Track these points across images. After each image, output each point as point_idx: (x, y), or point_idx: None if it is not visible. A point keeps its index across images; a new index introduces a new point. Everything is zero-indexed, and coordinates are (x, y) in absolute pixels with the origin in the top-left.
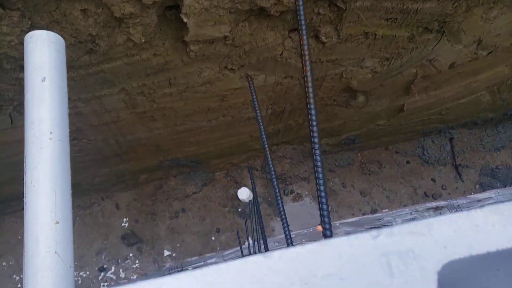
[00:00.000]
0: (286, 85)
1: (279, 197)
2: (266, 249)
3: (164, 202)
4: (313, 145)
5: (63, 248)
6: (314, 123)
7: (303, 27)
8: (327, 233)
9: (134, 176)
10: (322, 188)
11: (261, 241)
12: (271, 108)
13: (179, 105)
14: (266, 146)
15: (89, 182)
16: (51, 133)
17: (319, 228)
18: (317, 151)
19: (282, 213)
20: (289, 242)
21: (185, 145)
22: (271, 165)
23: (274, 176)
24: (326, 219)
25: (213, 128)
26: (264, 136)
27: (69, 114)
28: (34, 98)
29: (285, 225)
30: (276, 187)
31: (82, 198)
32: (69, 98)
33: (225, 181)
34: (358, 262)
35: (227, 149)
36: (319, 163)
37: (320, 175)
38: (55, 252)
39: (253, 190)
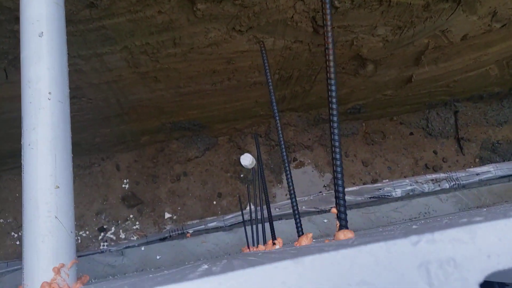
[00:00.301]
0: (295, 50)
1: (287, 166)
2: (270, 215)
3: (166, 165)
4: (332, 130)
5: (63, 213)
6: (334, 105)
7: None
8: (343, 223)
9: (135, 138)
10: (339, 176)
11: (264, 207)
12: (278, 73)
13: (183, 66)
14: (277, 114)
15: (89, 142)
16: (50, 93)
17: (334, 210)
18: (336, 139)
19: (290, 183)
20: (296, 214)
21: (188, 108)
22: (280, 134)
23: (283, 144)
24: (342, 209)
25: (218, 92)
26: (274, 104)
27: (69, 72)
28: (31, 55)
29: (293, 195)
30: (285, 156)
31: (82, 158)
32: (68, 55)
33: (228, 146)
34: (396, 270)
35: (231, 114)
36: (338, 155)
37: (338, 168)
38: (55, 217)
39: (258, 157)
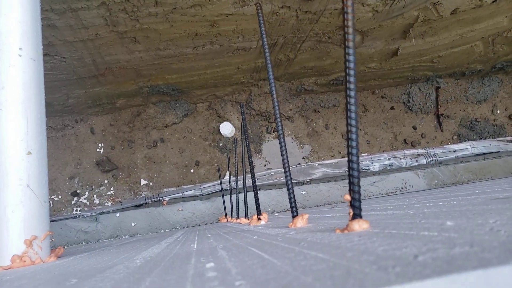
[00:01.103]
0: (282, 16)
1: (282, 138)
2: (254, 184)
3: (142, 130)
4: (348, 112)
5: (36, 181)
6: (352, 85)
7: None
8: (357, 212)
9: (111, 100)
10: (354, 159)
11: (244, 177)
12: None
13: (164, 27)
14: (272, 81)
15: (62, 103)
16: (20, 49)
17: (347, 197)
18: (353, 117)
19: (285, 156)
20: (291, 194)
21: (167, 72)
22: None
23: (278, 114)
24: (357, 196)
25: (199, 56)
26: (270, 69)
27: (41, 26)
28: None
29: (288, 177)
30: (281, 129)
31: (54, 119)
32: (40, 8)
33: (207, 114)
34: None
35: (212, 80)
36: (354, 136)
37: (354, 150)
38: (27, 185)
39: (244, 128)
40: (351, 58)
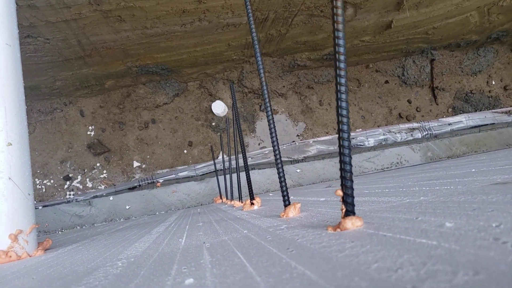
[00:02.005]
0: None
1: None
2: (246, 167)
3: (133, 111)
4: (339, 98)
5: (19, 174)
6: (342, 64)
7: None
8: (349, 208)
9: (100, 82)
10: (346, 151)
11: (239, 156)
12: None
13: (150, 4)
14: (259, 55)
15: (49, 86)
16: None
17: (339, 192)
18: (344, 106)
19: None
20: (283, 182)
21: (155, 51)
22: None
23: (266, 90)
24: (349, 191)
25: (187, 34)
26: (257, 44)
27: (20, 7)
28: None
29: (275, 142)
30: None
31: (43, 103)
32: None
33: (198, 93)
34: None
35: (202, 58)
36: (345, 127)
37: (346, 142)
38: (9, 178)
39: (234, 107)
40: (340, 26)
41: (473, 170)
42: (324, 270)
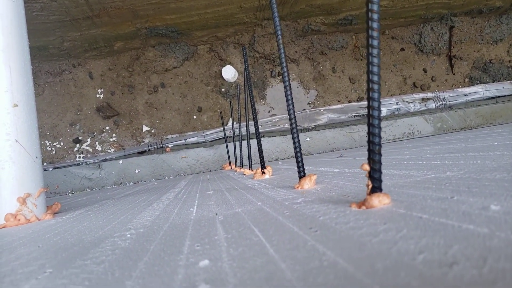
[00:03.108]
0: None
1: (287, 82)
2: (257, 131)
3: (142, 74)
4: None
5: (25, 136)
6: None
7: None
8: (376, 184)
9: (108, 43)
10: (376, 122)
11: (250, 123)
12: None
13: None
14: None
15: (57, 47)
16: None
17: (366, 167)
18: (375, 71)
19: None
20: (298, 152)
21: (165, 12)
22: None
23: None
24: (377, 166)
25: None
26: (275, 8)
27: None
28: None
29: (292, 112)
30: (286, 72)
31: (51, 64)
32: None
33: (208, 57)
34: None
35: (212, 20)
36: (376, 95)
37: (376, 112)
38: (16, 140)
39: (246, 71)
40: None
41: (496, 143)
42: (359, 259)
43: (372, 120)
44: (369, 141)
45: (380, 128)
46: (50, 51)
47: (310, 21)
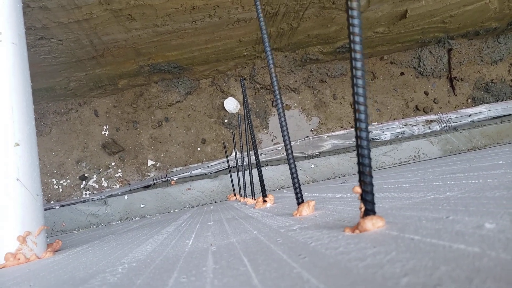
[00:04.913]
0: None
1: (281, 108)
2: (258, 165)
3: (146, 110)
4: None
5: (27, 174)
6: (358, 55)
7: None
8: (369, 207)
9: (113, 82)
10: (365, 143)
11: (251, 152)
12: (263, 9)
13: (159, 2)
14: (269, 48)
15: (64, 87)
16: (0, 33)
17: (357, 189)
18: (361, 93)
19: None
20: (296, 178)
21: (166, 49)
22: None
23: (277, 85)
24: (369, 188)
25: (198, 31)
26: (266, 36)
27: (32, 9)
28: None
29: (287, 137)
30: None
31: (58, 104)
32: None
33: (210, 90)
34: None
35: (213, 55)
36: (362, 116)
37: (363, 133)
38: (17, 179)
39: (245, 103)
40: (355, 16)
41: (500, 162)
42: (343, 286)
43: (361, 142)
44: (359, 163)
45: (369, 150)
46: (57, 91)
47: (308, 51)
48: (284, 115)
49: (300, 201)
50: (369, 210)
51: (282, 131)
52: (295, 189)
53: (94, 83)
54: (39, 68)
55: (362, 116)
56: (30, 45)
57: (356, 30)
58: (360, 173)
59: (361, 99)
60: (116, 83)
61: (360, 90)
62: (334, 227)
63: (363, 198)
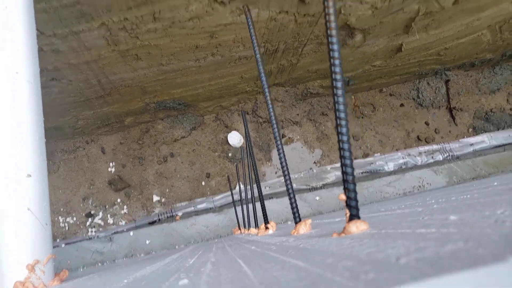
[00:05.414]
0: (281, 21)
1: (278, 140)
2: (261, 197)
3: (152, 146)
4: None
5: (37, 204)
6: (338, 75)
7: None
8: (353, 212)
9: (119, 119)
10: (347, 154)
11: (254, 186)
12: (263, 47)
13: (164, 42)
14: (266, 84)
15: (72, 126)
16: (17, 73)
17: (342, 196)
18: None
19: (282, 158)
20: (292, 198)
21: (171, 87)
22: (270, 106)
23: (274, 118)
24: (352, 194)
25: (202, 68)
26: (262, 72)
27: (45, 52)
28: None
29: (285, 168)
30: (276, 130)
31: (66, 142)
32: (43, 34)
33: (214, 125)
34: None
35: (217, 91)
36: (344, 129)
37: (346, 145)
38: (28, 209)
39: (246, 135)
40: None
41: (495, 183)
42: (316, 260)
43: (343, 153)
44: (342, 172)
45: (352, 160)
46: (66, 130)
47: (308, 85)
48: (281, 143)
49: (297, 220)
50: (353, 215)
51: (279, 153)
52: (292, 208)
53: (102, 121)
54: (49, 108)
55: (344, 130)
56: (42, 86)
57: (336, 54)
58: (344, 181)
59: (342, 115)
60: (123, 121)
61: (340, 99)
62: (325, 235)
63: (347, 204)
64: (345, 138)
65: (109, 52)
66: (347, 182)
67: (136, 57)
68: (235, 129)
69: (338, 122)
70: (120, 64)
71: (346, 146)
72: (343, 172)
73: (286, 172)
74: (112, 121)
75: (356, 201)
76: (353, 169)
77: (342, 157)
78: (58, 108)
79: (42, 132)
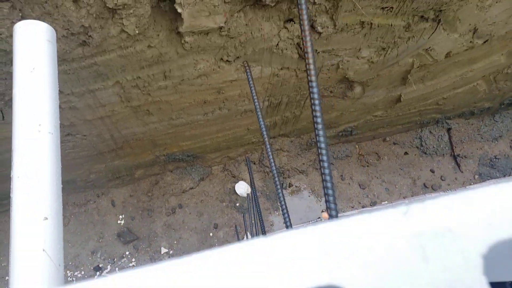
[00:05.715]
0: (283, 77)
1: (279, 187)
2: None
3: (161, 198)
4: (315, 119)
5: (51, 246)
6: (315, 90)
7: (305, 16)
8: (333, 213)
9: (130, 172)
10: (326, 165)
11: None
12: (267, 100)
13: (174, 98)
14: (266, 135)
15: (84, 179)
16: (40, 125)
17: (325, 215)
18: (320, 128)
19: (283, 203)
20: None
21: (181, 139)
22: (270, 156)
23: (274, 166)
24: (331, 198)
25: (209, 122)
26: (263, 124)
27: (63, 109)
28: (21, 89)
29: (286, 215)
30: (276, 177)
31: (77, 195)
32: (62, 92)
33: (222, 176)
34: (385, 244)
35: (224, 143)
36: (322, 144)
37: (324, 156)
38: (43, 250)
39: (252, 183)
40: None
41: None
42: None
43: (322, 164)
44: (323, 180)
45: (330, 169)
46: (78, 183)
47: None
48: (283, 193)
49: None
50: (332, 216)
51: (278, 195)
52: (285, 223)
53: (113, 174)
54: (63, 162)
55: (323, 145)
56: None
57: (315, 90)
58: (326, 194)
59: (321, 139)
60: (133, 173)
61: (317, 107)
62: None
63: (330, 215)
64: (323, 145)
65: (122, 108)
66: (329, 196)
67: (148, 112)
68: (242, 179)
69: (319, 145)
70: (132, 119)
71: (324, 152)
72: (322, 173)
73: (288, 223)
74: (123, 174)
75: (337, 212)
76: (331, 177)
77: (322, 167)
78: (72, 162)
79: (59, 179)
